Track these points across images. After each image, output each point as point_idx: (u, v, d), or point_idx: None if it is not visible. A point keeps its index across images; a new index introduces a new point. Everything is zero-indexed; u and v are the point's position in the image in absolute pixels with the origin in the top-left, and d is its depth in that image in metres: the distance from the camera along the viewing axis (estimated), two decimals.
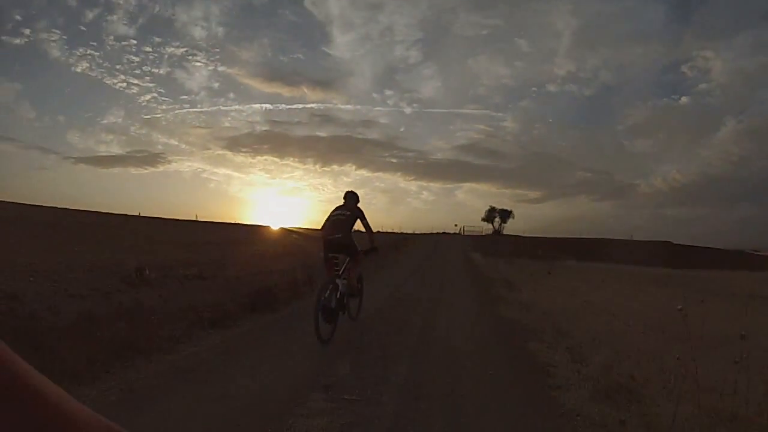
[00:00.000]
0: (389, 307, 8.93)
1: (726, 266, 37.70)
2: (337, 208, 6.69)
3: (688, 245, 59.16)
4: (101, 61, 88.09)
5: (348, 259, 6.53)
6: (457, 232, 74.85)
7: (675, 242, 61.11)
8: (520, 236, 66.80)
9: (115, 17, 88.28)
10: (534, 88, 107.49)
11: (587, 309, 11.57)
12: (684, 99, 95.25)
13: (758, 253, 67.71)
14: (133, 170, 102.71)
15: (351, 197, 6.93)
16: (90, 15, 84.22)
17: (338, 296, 6.08)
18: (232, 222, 60.08)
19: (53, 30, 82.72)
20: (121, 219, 40.69)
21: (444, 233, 72.41)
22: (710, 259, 44.00)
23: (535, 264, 25.56)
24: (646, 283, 20.81)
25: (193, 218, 59.16)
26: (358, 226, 6.71)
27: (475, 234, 70.99)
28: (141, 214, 53.74)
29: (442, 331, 7.33)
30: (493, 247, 35.67)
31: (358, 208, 6.75)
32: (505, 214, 78.27)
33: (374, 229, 7.16)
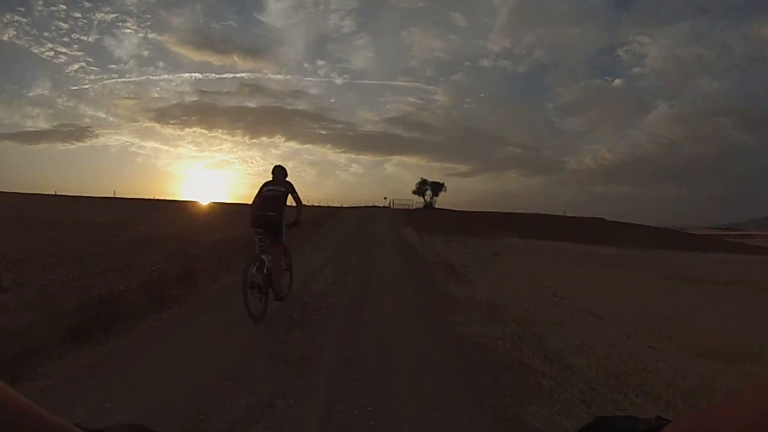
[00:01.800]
0: (282, 327, 5.58)
1: (665, 245, 37.15)
2: (267, 183, 6.54)
3: (622, 222, 59.52)
4: (29, 29, 78.98)
5: (271, 236, 6.20)
6: (387, 205, 71.78)
7: (608, 219, 61.29)
8: (452, 210, 64.86)
9: None
10: (467, 63, 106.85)
11: (562, 309, 9.04)
12: (617, 81, 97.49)
13: (687, 231, 70.01)
14: (60, 146, 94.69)
15: (280, 171, 6.72)
16: None
17: (265, 272, 5.91)
18: (157, 198, 55.43)
19: None
20: (23, 198, 37.27)
21: (374, 206, 69.44)
22: (645, 236, 43.86)
23: (475, 242, 22.96)
24: (601, 266, 18.62)
25: (111, 195, 54.22)
26: (289, 201, 6.51)
27: (405, 207, 68.42)
28: (57, 193, 52.28)
29: (367, 386, 4.03)
30: (425, 222, 32.55)
31: (289, 182, 6.60)
32: (437, 187, 75.61)
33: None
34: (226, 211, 32.67)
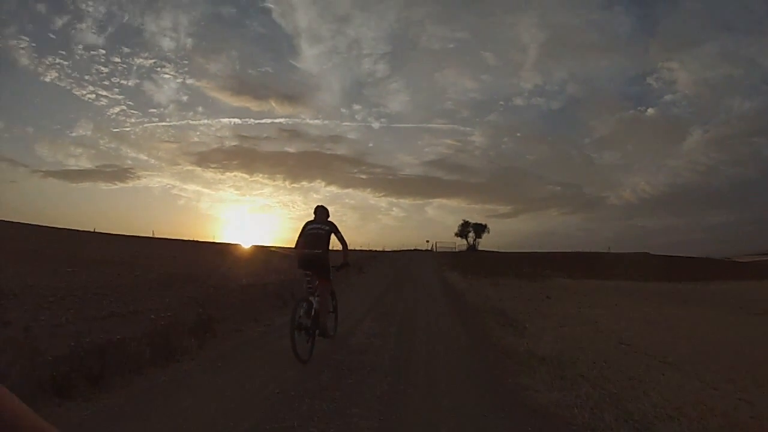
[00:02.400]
0: (308, 396, 4.59)
1: (716, 276, 34.99)
2: (310, 222, 6.41)
3: (667, 255, 57.09)
4: (70, 71, 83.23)
5: (320, 279, 6.13)
6: (430, 248, 70.54)
7: (652, 253, 58.78)
8: (496, 252, 63.27)
9: (84, 25, 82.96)
10: (501, 102, 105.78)
11: (633, 359, 7.80)
12: (650, 110, 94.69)
13: (732, 259, 66.44)
14: (102, 185, 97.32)
15: (322, 212, 6.58)
16: (59, 22, 78.62)
17: (313, 314, 5.80)
18: (197, 240, 55.29)
19: (22, 36, 77.29)
20: (57, 234, 36.15)
21: (416, 249, 68.29)
22: (693, 268, 41.60)
23: (524, 284, 21.49)
24: (660, 303, 16.95)
25: (150, 234, 54.57)
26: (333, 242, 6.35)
27: (448, 250, 67.03)
28: (95, 230, 49.81)
29: None
30: (471, 264, 31.20)
31: (332, 222, 6.45)
32: (480, 229, 73.74)
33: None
34: (266, 254, 32.20)
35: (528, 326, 9.50)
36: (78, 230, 47.61)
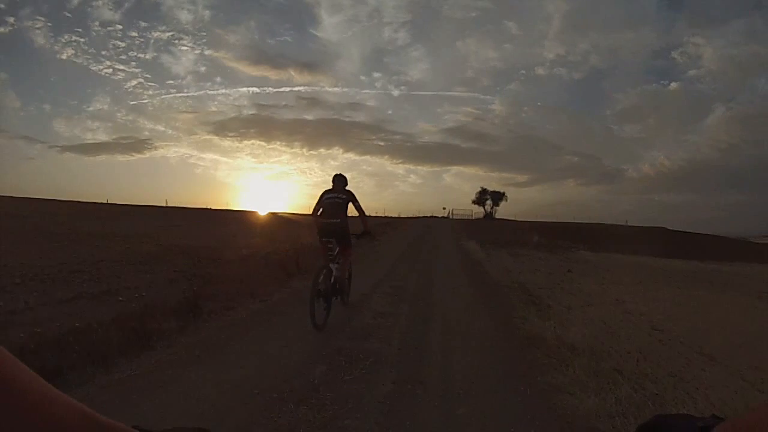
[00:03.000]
0: (298, 399, 3.79)
1: (740, 257, 33.86)
2: (328, 191, 6.40)
3: (684, 231, 55.96)
4: (87, 48, 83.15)
5: (341, 246, 6.19)
6: (446, 215, 69.91)
7: (669, 228, 57.60)
8: (512, 220, 62.23)
9: (100, 2, 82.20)
10: (523, 71, 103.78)
11: (669, 350, 7.01)
12: (674, 85, 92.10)
13: (747, 240, 64.86)
14: (120, 157, 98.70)
15: (340, 180, 6.57)
16: (75, 1, 77.57)
17: (332, 281, 5.92)
18: (212, 208, 55.49)
19: (37, 17, 76.89)
20: (67, 206, 36.64)
21: (432, 216, 67.80)
22: (718, 247, 40.54)
23: (544, 256, 20.54)
24: (685, 283, 15.97)
25: (163, 204, 54.94)
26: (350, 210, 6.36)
27: (465, 218, 66.20)
28: (108, 201, 51.64)
29: None
30: (488, 233, 30.21)
31: (350, 191, 6.44)
32: (498, 197, 72.58)
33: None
34: (281, 221, 31.50)
35: (552, 304, 8.69)
36: (92, 202, 47.54)
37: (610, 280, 14.30)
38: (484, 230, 33.66)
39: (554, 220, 60.36)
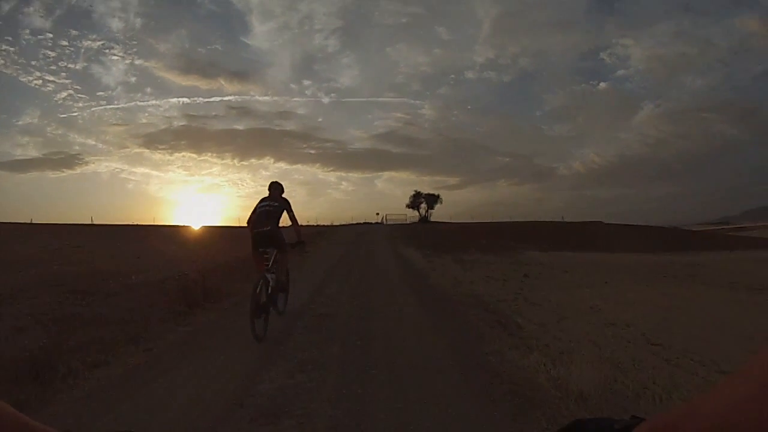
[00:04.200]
0: None
1: (687, 247, 34.81)
2: (263, 200, 6.34)
3: (622, 224, 56.94)
4: (16, 57, 77.21)
5: (276, 253, 6.09)
6: (379, 221, 68.82)
7: (605, 222, 58.52)
8: (449, 222, 61.60)
9: (31, 9, 76.89)
10: (452, 75, 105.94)
11: (682, 370, 5.30)
12: (603, 84, 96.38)
13: (683, 228, 67.57)
14: (51, 174, 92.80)
15: (276, 187, 6.49)
16: (5, 7, 72.02)
17: (269, 291, 5.69)
18: (142, 224, 52.06)
19: None
20: None
21: (366, 222, 66.74)
22: (660, 238, 41.30)
23: (492, 260, 18.93)
24: (654, 281, 14.66)
25: (89, 222, 50.65)
26: (284, 220, 6.30)
27: (399, 222, 65.09)
28: (32, 221, 46.84)
29: None
30: (427, 238, 28.43)
31: (285, 199, 6.40)
32: (432, 200, 71.64)
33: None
34: (208, 235, 29.37)
35: (521, 323, 6.88)
36: (15, 223, 43.21)
37: (572, 282, 12.78)
38: (422, 235, 31.88)
39: (490, 220, 60.33)
